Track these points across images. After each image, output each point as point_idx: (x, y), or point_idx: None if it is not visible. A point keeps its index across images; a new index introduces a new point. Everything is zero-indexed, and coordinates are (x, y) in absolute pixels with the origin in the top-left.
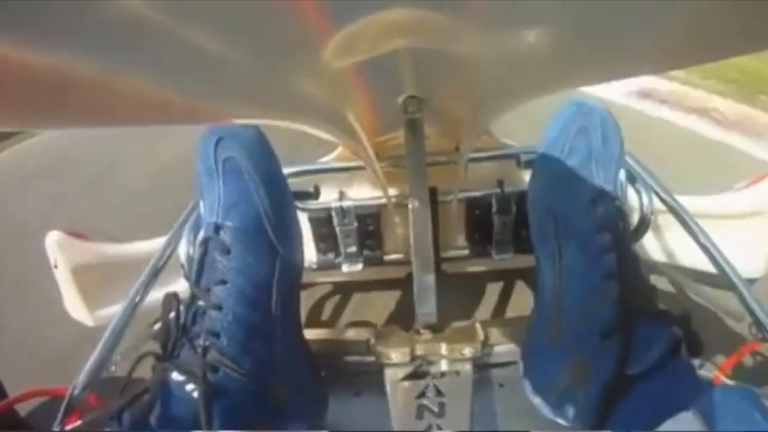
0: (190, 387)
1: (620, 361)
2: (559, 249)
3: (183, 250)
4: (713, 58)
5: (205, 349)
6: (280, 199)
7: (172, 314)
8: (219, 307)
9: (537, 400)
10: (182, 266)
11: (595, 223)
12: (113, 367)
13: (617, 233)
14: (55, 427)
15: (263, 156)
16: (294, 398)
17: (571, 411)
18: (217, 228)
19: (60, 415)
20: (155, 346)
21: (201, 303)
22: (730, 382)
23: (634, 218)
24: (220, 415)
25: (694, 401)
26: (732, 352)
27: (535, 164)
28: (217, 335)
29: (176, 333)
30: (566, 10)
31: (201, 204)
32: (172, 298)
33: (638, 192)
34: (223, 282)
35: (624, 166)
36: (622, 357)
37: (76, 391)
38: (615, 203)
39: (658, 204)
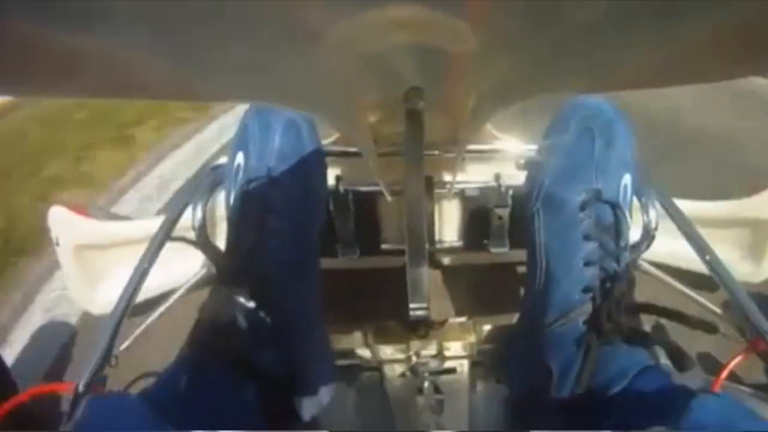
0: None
1: (585, 380)
2: (543, 252)
3: (198, 211)
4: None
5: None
6: (323, 163)
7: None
8: (275, 235)
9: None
10: (194, 229)
11: (582, 231)
12: (114, 360)
13: (606, 244)
14: (63, 425)
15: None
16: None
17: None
18: (271, 170)
19: (67, 412)
20: (158, 336)
21: (248, 238)
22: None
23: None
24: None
25: (671, 413)
26: (728, 357)
27: (531, 162)
28: (276, 263)
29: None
30: (568, 12)
31: (240, 153)
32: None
33: (644, 205)
34: (278, 213)
35: (633, 173)
36: (587, 376)
37: (81, 388)
38: (611, 210)
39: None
